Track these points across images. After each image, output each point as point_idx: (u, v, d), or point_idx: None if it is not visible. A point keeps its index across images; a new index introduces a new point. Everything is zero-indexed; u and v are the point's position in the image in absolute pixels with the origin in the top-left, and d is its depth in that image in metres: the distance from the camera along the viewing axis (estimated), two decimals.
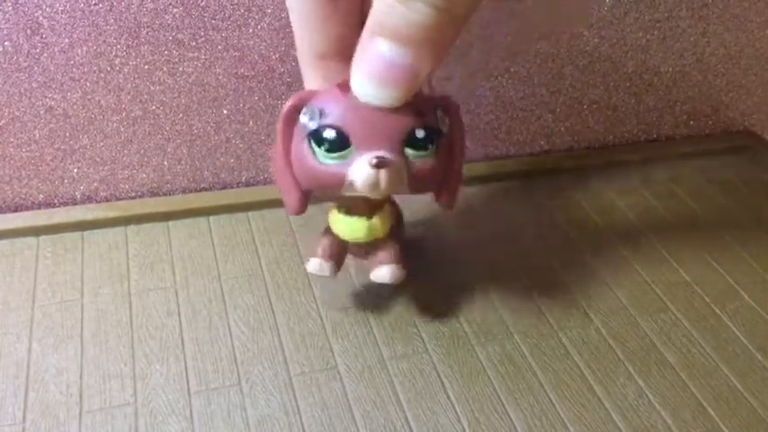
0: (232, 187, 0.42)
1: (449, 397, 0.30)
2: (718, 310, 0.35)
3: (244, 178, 0.42)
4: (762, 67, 0.48)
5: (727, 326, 0.34)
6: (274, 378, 0.30)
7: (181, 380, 0.30)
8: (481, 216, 0.40)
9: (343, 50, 0.27)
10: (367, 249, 0.32)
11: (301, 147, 0.27)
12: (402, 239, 0.33)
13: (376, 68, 0.24)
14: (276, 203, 0.40)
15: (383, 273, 0.31)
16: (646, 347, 0.33)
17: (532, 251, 0.38)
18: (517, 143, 0.46)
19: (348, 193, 0.28)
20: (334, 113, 0.26)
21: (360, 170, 0.26)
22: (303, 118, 0.27)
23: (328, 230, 0.32)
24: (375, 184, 0.26)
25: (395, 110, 0.25)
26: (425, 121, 0.27)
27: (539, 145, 0.46)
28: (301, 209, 0.29)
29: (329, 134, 0.26)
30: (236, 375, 0.30)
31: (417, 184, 0.28)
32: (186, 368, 0.30)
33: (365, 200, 0.30)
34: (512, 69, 0.43)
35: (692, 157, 0.47)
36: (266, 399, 0.29)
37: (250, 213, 0.40)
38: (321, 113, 0.27)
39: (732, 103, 0.49)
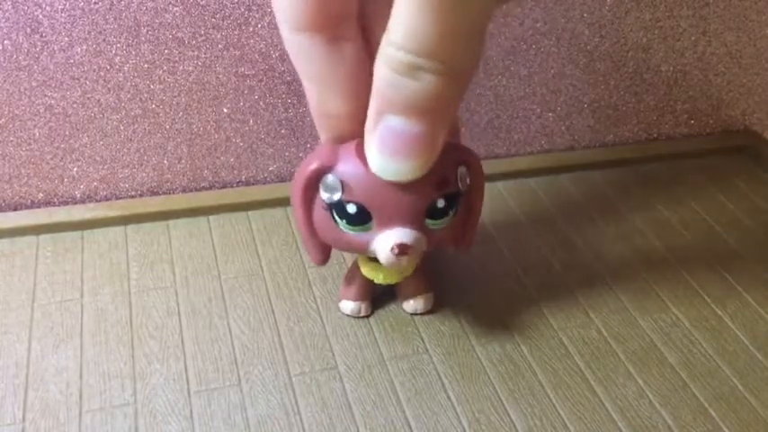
0: (232, 186, 0.42)
1: (449, 397, 0.30)
2: (718, 310, 0.35)
3: (244, 177, 0.42)
4: (762, 66, 0.48)
5: (727, 326, 0.34)
6: (274, 378, 0.30)
7: (181, 380, 0.30)
8: (481, 215, 0.40)
9: (352, 107, 0.26)
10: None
11: (323, 213, 0.27)
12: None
13: (391, 145, 0.23)
14: (276, 203, 0.40)
15: (418, 305, 0.33)
16: (646, 347, 0.33)
17: (532, 251, 0.38)
18: (517, 142, 0.46)
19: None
20: (355, 189, 0.26)
21: (382, 251, 0.27)
22: (324, 191, 0.27)
23: (357, 270, 0.32)
24: (396, 265, 0.27)
25: (415, 183, 0.25)
26: (446, 189, 0.27)
27: (539, 144, 0.46)
28: (325, 261, 0.30)
29: (351, 209, 0.26)
30: (236, 375, 0.30)
31: (436, 245, 0.29)
32: (186, 368, 0.30)
33: None
34: (512, 69, 0.43)
35: (693, 157, 0.47)
36: (266, 399, 0.29)
37: (250, 213, 0.40)
38: (343, 187, 0.26)
39: (733, 102, 0.49)
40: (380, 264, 0.31)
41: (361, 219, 0.27)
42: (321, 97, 0.25)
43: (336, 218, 0.27)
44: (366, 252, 0.28)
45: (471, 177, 0.28)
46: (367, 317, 0.33)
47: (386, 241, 0.26)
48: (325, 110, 0.26)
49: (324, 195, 0.27)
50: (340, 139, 0.27)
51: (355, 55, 0.25)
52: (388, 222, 0.26)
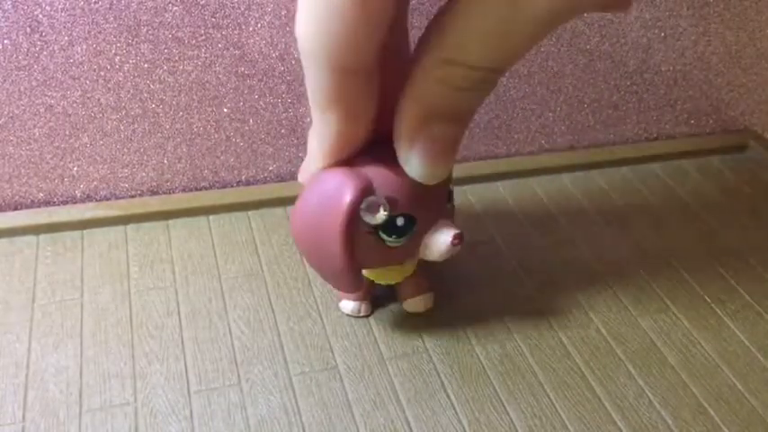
0: (232, 186, 0.42)
1: (449, 397, 0.30)
2: (718, 310, 0.35)
3: (244, 177, 0.42)
4: (762, 66, 0.48)
5: (727, 326, 0.34)
6: (274, 378, 0.30)
7: (181, 379, 0.30)
8: (481, 215, 0.40)
9: (369, 133, 0.26)
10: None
11: (366, 237, 0.27)
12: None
13: (433, 150, 0.24)
14: (276, 203, 0.40)
15: (418, 305, 0.33)
16: (646, 347, 0.33)
17: (532, 250, 0.38)
18: (517, 142, 0.46)
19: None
20: (401, 202, 0.27)
21: (441, 246, 0.28)
22: (369, 216, 0.26)
23: None
24: (449, 255, 0.28)
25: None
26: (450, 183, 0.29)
27: (539, 144, 0.46)
28: (361, 287, 0.30)
29: (400, 222, 0.27)
30: (236, 375, 0.30)
31: None
32: (186, 368, 0.30)
33: None
34: (512, 68, 0.43)
35: (693, 156, 0.47)
36: (266, 399, 0.29)
37: (250, 213, 0.40)
38: (389, 200, 0.26)
39: (733, 101, 0.49)
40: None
41: (408, 227, 0.27)
42: (348, 127, 0.25)
43: (384, 236, 0.27)
44: (415, 257, 0.29)
45: None
46: (367, 316, 0.33)
47: (445, 237, 0.28)
48: (348, 139, 0.25)
49: (368, 219, 0.26)
50: (341, 163, 0.26)
51: (377, 83, 0.24)
52: (430, 222, 0.28)
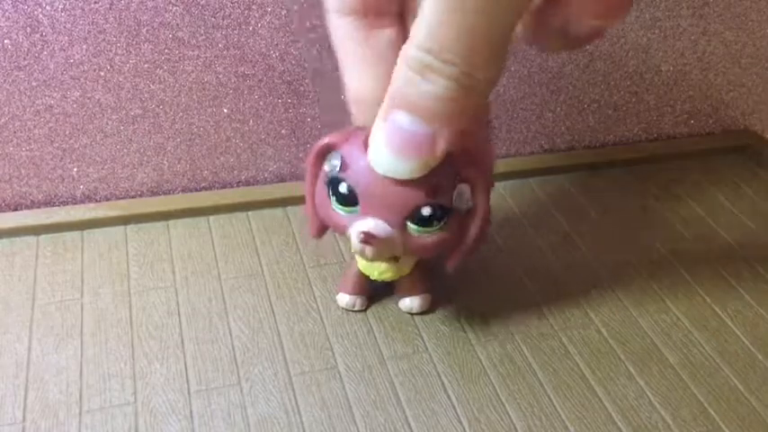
0: (232, 186, 0.42)
1: (449, 397, 0.30)
2: (718, 310, 0.35)
3: (244, 177, 0.42)
4: (762, 66, 0.48)
5: (727, 326, 0.34)
6: (274, 378, 0.30)
7: (181, 380, 0.30)
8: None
9: (382, 92, 0.26)
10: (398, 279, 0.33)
11: (322, 187, 0.28)
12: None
13: (394, 140, 0.23)
14: (276, 203, 0.40)
15: (411, 304, 0.33)
16: (646, 347, 0.33)
17: (532, 251, 0.38)
18: (517, 142, 0.46)
19: None
20: (351, 171, 0.27)
21: (353, 234, 0.27)
22: (327, 163, 0.28)
23: (354, 265, 0.33)
24: (362, 253, 0.28)
25: (407, 183, 0.25)
26: (436, 199, 0.27)
27: (539, 144, 0.46)
28: (319, 235, 0.31)
29: (342, 189, 0.27)
30: (236, 375, 0.30)
31: (418, 253, 0.29)
32: (186, 368, 0.30)
33: None
34: (512, 69, 0.43)
35: (693, 157, 0.47)
36: (266, 399, 0.29)
37: (250, 213, 0.40)
38: (342, 165, 0.27)
39: (732, 102, 0.49)
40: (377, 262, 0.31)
41: (349, 200, 0.27)
42: (355, 81, 0.26)
43: (331, 194, 0.28)
44: (345, 234, 0.28)
45: (474, 198, 0.28)
46: (363, 311, 0.33)
47: (357, 226, 0.27)
48: (357, 94, 0.27)
49: (326, 166, 0.28)
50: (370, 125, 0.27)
51: (391, 43, 0.26)
52: (369, 211, 0.27)
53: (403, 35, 0.26)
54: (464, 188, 0.27)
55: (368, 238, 0.27)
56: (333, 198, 0.28)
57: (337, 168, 0.27)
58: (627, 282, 0.36)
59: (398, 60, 0.22)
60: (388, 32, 0.26)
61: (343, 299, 0.33)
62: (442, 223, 0.27)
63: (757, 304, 0.35)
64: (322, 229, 0.30)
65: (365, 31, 0.25)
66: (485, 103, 0.25)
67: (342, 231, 0.28)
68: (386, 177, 0.25)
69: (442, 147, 0.23)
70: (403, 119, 0.23)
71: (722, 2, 0.44)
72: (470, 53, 0.21)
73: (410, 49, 0.21)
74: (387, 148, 0.24)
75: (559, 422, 0.29)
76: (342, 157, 0.27)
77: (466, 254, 0.30)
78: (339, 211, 0.28)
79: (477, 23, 0.20)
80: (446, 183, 0.27)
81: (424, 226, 0.27)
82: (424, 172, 0.25)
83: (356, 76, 0.26)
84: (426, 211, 0.27)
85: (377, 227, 0.27)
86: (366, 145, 0.26)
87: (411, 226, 0.27)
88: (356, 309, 0.33)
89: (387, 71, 0.25)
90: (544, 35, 0.24)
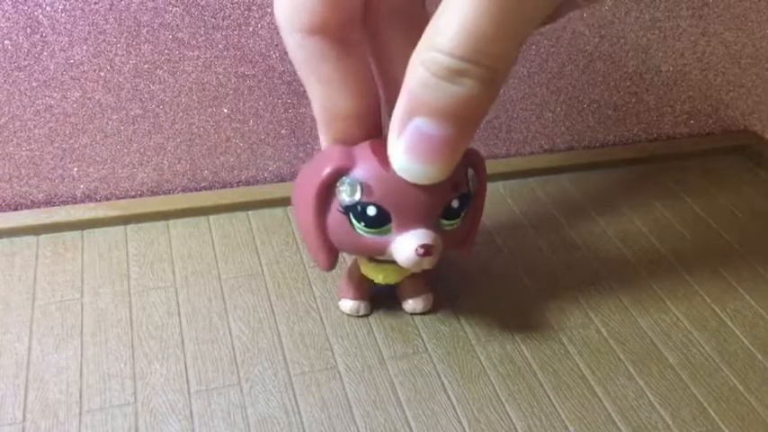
0: (232, 186, 0.42)
1: (449, 397, 0.30)
2: (718, 310, 0.35)
3: (244, 177, 0.42)
4: (762, 66, 0.48)
5: (727, 326, 0.34)
6: (274, 378, 0.30)
7: (181, 380, 0.30)
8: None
9: (361, 108, 0.26)
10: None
11: (338, 216, 0.27)
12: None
13: (418, 147, 0.23)
14: (276, 203, 0.40)
15: (415, 305, 0.33)
16: (646, 347, 0.33)
17: (532, 251, 0.38)
18: (517, 143, 0.46)
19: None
20: (376, 191, 0.26)
21: (404, 252, 0.27)
22: (343, 192, 0.27)
23: (356, 270, 0.33)
24: (418, 266, 0.27)
25: (434, 184, 0.25)
26: (460, 191, 0.27)
27: (539, 145, 0.46)
28: (333, 267, 0.29)
29: (371, 211, 0.26)
30: (236, 375, 0.30)
31: (453, 246, 0.29)
32: (186, 368, 0.30)
33: None
34: (512, 69, 0.43)
35: (692, 157, 0.47)
36: (266, 399, 0.29)
37: (250, 213, 0.40)
38: (362, 189, 0.26)
39: (732, 102, 0.49)
40: (381, 264, 0.31)
41: (381, 221, 0.26)
42: (331, 99, 0.26)
43: (354, 221, 0.27)
44: (384, 255, 0.28)
45: (478, 178, 0.29)
46: (366, 316, 0.33)
47: (410, 243, 0.26)
48: (334, 112, 0.26)
49: (341, 198, 0.27)
50: (347, 142, 0.27)
51: (362, 56, 0.25)
52: (406, 223, 0.26)
53: (368, 47, 0.26)
54: (471, 171, 0.28)
55: (429, 250, 0.26)
56: (360, 224, 0.27)
57: (358, 194, 0.26)
58: (627, 282, 0.36)
59: (412, 66, 0.21)
60: (358, 47, 0.25)
61: (347, 304, 0.33)
62: (465, 211, 0.28)
63: (757, 304, 0.35)
64: (335, 258, 0.29)
65: (338, 49, 0.25)
66: None
67: (378, 253, 0.28)
68: (413, 185, 0.25)
69: (464, 145, 0.24)
70: (425, 124, 0.22)
71: (722, 2, 0.44)
72: (501, 55, 0.21)
73: (434, 56, 0.21)
74: (414, 156, 0.23)
75: (559, 422, 0.29)
76: (360, 182, 0.26)
77: (474, 236, 0.30)
78: (368, 234, 0.27)
79: (508, 27, 0.20)
80: (461, 171, 0.27)
81: (454, 219, 0.27)
82: (453, 170, 0.25)
83: (334, 95, 0.25)
84: (456, 204, 0.27)
85: (428, 236, 0.26)
86: (380, 159, 0.25)
87: (443, 222, 0.27)
88: (360, 314, 0.33)
89: (366, 87, 0.25)
90: None
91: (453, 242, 0.29)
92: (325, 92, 0.26)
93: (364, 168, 0.26)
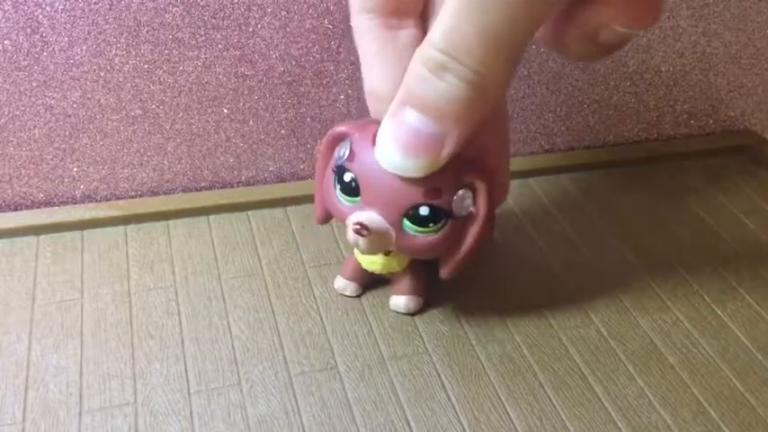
0: (232, 186, 0.42)
1: (449, 397, 0.30)
2: (718, 310, 0.35)
3: (244, 177, 0.42)
4: (762, 66, 0.48)
5: (727, 326, 0.34)
6: (274, 378, 0.30)
7: (181, 380, 0.30)
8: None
9: (395, 91, 0.26)
10: (389, 275, 0.33)
11: (330, 174, 0.29)
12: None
13: (402, 138, 0.24)
14: (276, 203, 0.40)
15: (398, 303, 0.33)
16: (646, 347, 0.33)
17: (532, 251, 0.38)
18: (517, 143, 0.46)
19: None
20: (357, 162, 0.27)
21: (348, 224, 0.28)
22: (338, 150, 0.28)
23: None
24: (355, 244, 0.28)
25: (409, 180, 0.26)
26: (436, 201, 0.27)
27: (539, 144, 0.46)
28: (323, 222, 0.31)
29: (346, 178, 0.28)
30: (236, 375, 0.30)
31: (411, 253, 0.30)
32: (186, 368, 0.30)
33: None
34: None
35: (693, 157, 0.47)
36: (266, 399, 0.29)
37: (250, 213, 0.40)
38: (350, 155, 0.27)
39: (732, 102, 0.49)
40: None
41: (352, 191, 0.28)
42: (374, 77, 0.27)
43: (336, 182, 0.28)
44: (344, 223, 0.29)
45: (477, 204, 0.28)
46: (358, 297, 0.34)
47: (353, 217, 0.27)
48: (372, 90, 0.27)
49: (337, 152, 0.28)
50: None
51: (411, 43, 0.26)
52: (369, 203, 0.27)
53: (423, 37, 0.27)
54: (466, 194, 0.27)
55: (362, 230, 0.27)
56: (337, 186, 0.28)
57: (345, 157, 0.28)
58: (627, 282, 0.36)
59: (413, 58, 0.22)
60: (410, 33, 0.26)
61: (338, 282, 0.34)
62: (438, 226, 0.27)
63: (757, 304, 0.35)
64: (326, 216, 0.31)
65: (387, 31, 0.26)
66: (498, 108, 0.25)
67: (342, 220, 0.29)
68: (388, 172, 0.25)
69: (449, 149, 0.24)
70: (413, 117, 0.23)
71: (722, 2, 0.44)
72: (487, 56, 0.21)
73: (426, 48, 0.22)
74: (394, 144, 0.24)
75: (559, 422, 0.29)
76: (351, 147, 0.27)
77: (461, 261, 0.29)
78: (342, 200, 0.28)
79: (497, 28, 0.20)
80: (448, 186, 0.27)
81: (419, 225, 0.27)
82: (429, 172, 0.25)
83: (375, 73, 0.26)
84: (424, 210, 0.27)
85: (372, 219, 0.27)
86: (375, 138, 0.26)
87: (407, 224, 0.27)
88: (348, 294, 0.34)
89: (401, 72, 0.26)
90: (568, 41, 0.23)
91: (420, 251, 0.28)
92: (366, 69, 0.27)
93: (359, 137, 0.27)
